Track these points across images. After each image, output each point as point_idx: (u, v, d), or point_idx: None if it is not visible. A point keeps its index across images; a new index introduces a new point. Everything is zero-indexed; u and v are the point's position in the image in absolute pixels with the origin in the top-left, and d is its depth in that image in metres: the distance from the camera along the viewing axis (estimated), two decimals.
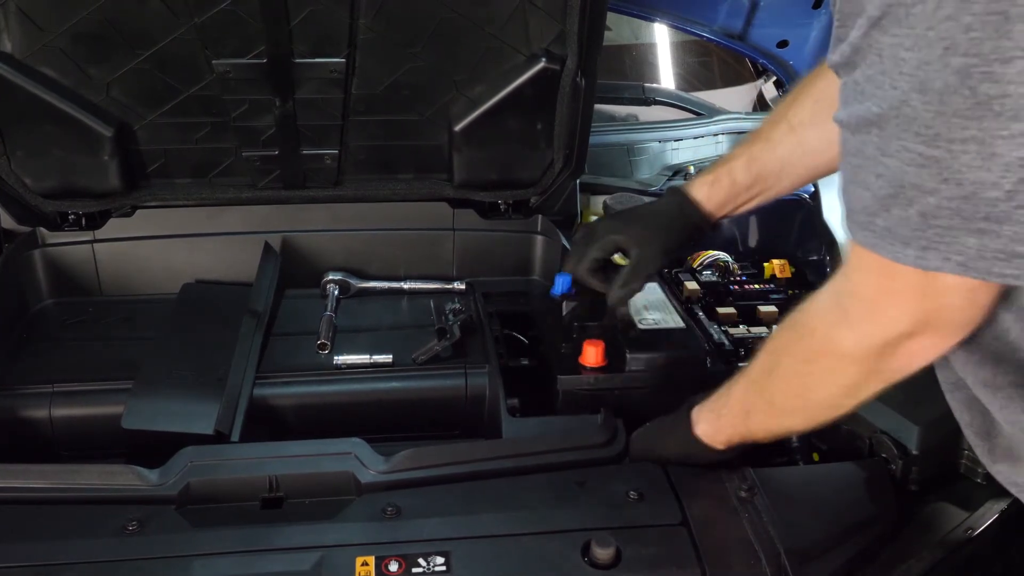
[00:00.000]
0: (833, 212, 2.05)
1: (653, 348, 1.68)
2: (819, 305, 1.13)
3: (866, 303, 1.04)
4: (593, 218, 2.35)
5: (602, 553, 1.25)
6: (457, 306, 2.02)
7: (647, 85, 3.24)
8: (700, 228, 1.60)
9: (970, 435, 1.21)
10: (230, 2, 1.77)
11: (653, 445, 1.52)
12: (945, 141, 0.85)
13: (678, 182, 2.43)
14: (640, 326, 1.73)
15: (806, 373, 1.18)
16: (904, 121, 0.87)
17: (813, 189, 2.24)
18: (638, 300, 1.76)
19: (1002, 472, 1.18)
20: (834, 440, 1.55)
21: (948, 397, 1.23)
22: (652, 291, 1.86)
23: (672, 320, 1.79)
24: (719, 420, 1.40)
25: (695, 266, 2.09)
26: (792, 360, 1.21)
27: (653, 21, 3.05)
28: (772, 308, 1.91)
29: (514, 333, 1.98)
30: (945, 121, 0.84)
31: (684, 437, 1.44)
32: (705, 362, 1.71)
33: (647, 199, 2.27)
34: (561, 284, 1.76)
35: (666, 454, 1.49)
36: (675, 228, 1.61)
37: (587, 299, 1.74)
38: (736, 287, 2.00)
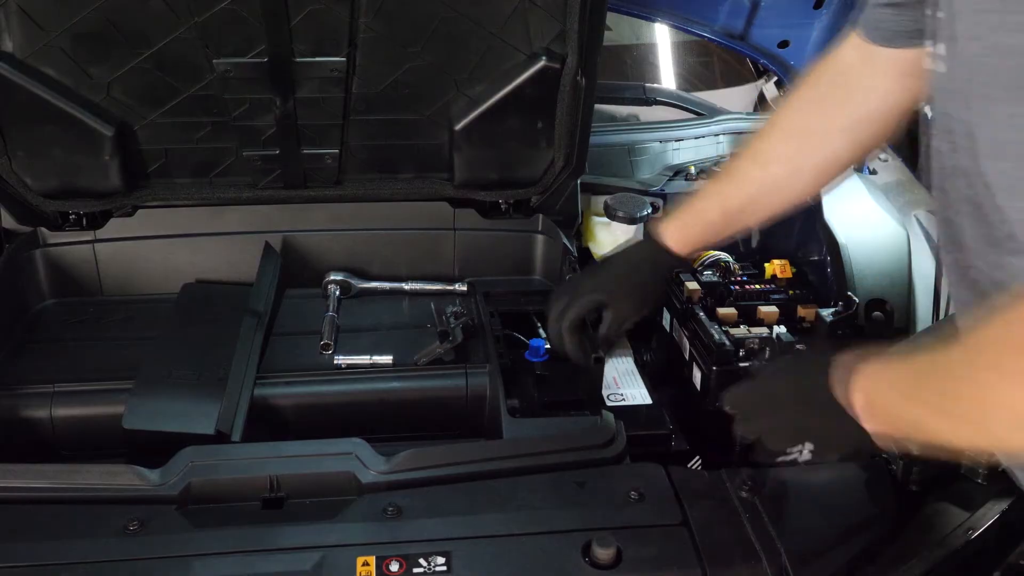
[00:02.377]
0: (834, 213, 2.05)
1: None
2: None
3: None
4: (594, 218, 2.34)
5: (603, 553, 1.25)
6: (458, 308, 2.02)
7: (648, 85, 3.23)
8: (675, 269, 1.66)
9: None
10: (230, 1, 1.77)
11: (773, 383, 1.34)
12: None
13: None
14: (608, 402, 1.73)
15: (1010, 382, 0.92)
16: None
17: None
18: (607, 371, 1.80)
19: None
20: None
21: None
22: (622, 360, 1.88)
23: (639, 395, 1.79)
24: (876, 384, 1.12)
25: (696, 266, 2.09)
26: (1000, 358, 0.92)
27: (654, 21, 3.05)
28: (773, 309, 1.90)
29: (515, 334, 1.98)
30: None
31: (824, 383, 1.17)
32: (670, 440, 1.69)
33: (648, 200, 2.28)
34: (537, 348, 1.86)
35: (782, 396, 1.28)
36: (652, 280, 1.67)
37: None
38: (737, 287, 1.99)
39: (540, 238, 2.27)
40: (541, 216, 2.26)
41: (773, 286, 2.02)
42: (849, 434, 1.16)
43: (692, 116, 3.00)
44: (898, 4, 1.30)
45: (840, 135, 1.49)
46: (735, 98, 3.36)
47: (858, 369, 1.15)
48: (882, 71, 1.39)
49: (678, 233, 1.64)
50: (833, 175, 1.55)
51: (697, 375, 1.82)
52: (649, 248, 1.66)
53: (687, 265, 1.69)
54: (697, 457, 1.69)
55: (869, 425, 1.13)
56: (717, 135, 2.67)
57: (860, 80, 1.44)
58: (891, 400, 1.11)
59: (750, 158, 1.57)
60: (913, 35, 1.27)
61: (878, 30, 1.37)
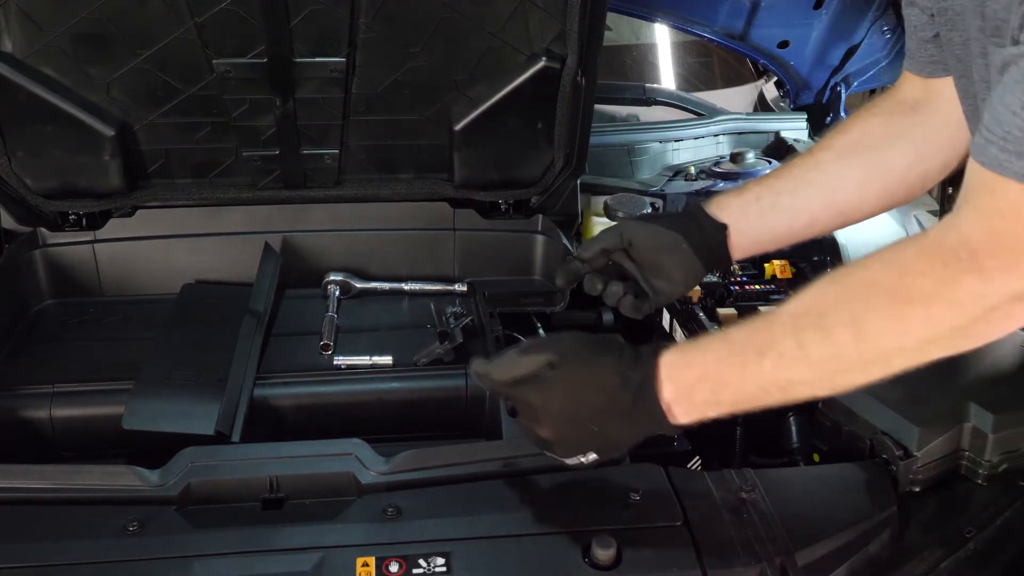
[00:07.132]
0: None
1: None
2: (937, 244, 1.00)
3: (1009, 250, 0.94)
4: (594, 218, 2.35)
5: (603, 554, 1.25)
6: (458, 309, 2.02)
7: (648, 85, 3.25)
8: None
9: None
10: (230, 1, 1.77)
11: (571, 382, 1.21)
12: None
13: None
14: None
15: (890, 317, 1.03)
16: None
17: None
18: None
19: None
20: (834, 441, 1.55)
21: None
22: None
23: None
24: (692, 372, 1.16)
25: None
26: (878, 298, 1.04)
27: (654, 21, 3.05)
28: (773, 309, 1.90)
29: (515, 334, 1.98)
30: None
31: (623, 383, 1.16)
32: (670, 441, 1.65)
33: (648, 200, 2.28)
34: None
35: (572, 410, 1.21)
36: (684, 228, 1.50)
37: None
38: (736, 287, 2.00)
39: (540, 238, 2.27)
40: (541, 216, 2.26)
41: (773, 286, 2.02)
42: (644, 433, 1.21)
43: (692, 116, 3.01)
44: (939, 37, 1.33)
45: (898, 142, 1.46)
46: (735, 98, 3.36)
47: (665, 354, 1.17)
48: (943, 96, 1.40)
49: (722, 199, 1.52)
50: (880, 187, 1.47)
51: None
52: (689, 209, 1.54)
53: (723, 233, 1.49)
54: (697, 457, 1.69)
55: (681, 408, 1.16)
56: (717, 135, 2.68)
57: (919, 103, 1.45)
58: (711, 374, 1.15)
59: (806, 151, 1.55)
60: None
61: (930, 64, 1.40)
